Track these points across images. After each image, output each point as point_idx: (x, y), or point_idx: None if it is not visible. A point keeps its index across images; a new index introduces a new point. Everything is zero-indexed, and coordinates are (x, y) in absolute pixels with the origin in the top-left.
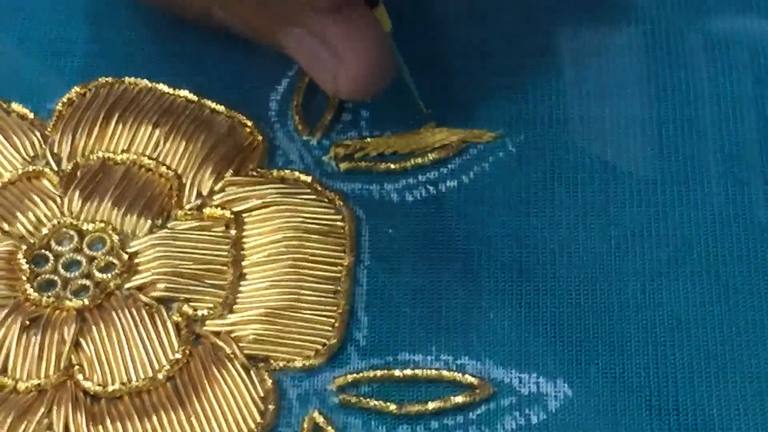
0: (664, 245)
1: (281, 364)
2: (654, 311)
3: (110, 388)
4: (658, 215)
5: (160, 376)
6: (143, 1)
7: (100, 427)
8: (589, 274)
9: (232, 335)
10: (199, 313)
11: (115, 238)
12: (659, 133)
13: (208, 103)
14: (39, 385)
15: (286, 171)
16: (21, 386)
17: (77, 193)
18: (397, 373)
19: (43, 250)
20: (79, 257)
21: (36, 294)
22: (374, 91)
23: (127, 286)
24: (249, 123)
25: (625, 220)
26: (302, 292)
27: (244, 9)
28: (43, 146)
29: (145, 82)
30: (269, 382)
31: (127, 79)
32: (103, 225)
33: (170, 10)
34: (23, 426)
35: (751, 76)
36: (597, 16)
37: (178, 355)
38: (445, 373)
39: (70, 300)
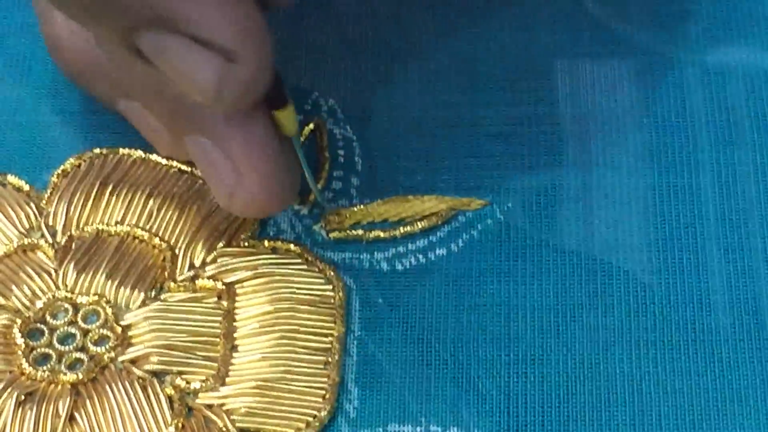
0: (650, 314)
1: None
2: (641, 380)
3: None
4: (644, 283)
5: None
6: (66, 76)
7: None
8: (578, 343)
9: (224, 408)
10: (192, 386)
11: (109, 310)
12: (652, 198)
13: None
14: None
15: (277, 241)
16: None
17: (72, 266)
18: None
19: (38, 324)
20: (73, 330)
21: (31, 368)
22: (269, 213)
23: (121, 359)
24: None
25: (613, 289)
26: (293, 363)
27: (155, 108)
28: (39, 218)
29: (139, 152)
30: None
31: (121, 150)
32: (97, 298)
33: (87, 90)
34: None
35: (747, 110)
36: (591, 78)
37: (171, 429)
38: None
39: (65, 374)
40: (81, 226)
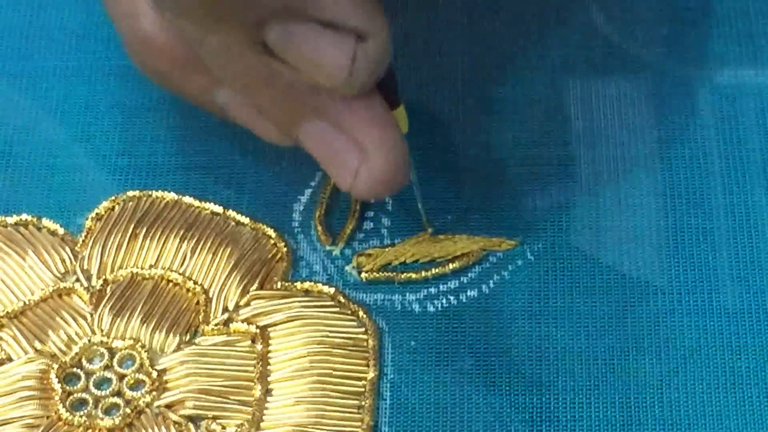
0: (681, 357)
1: None
2: (672, 423)
3: None
4: (675, 325)
5: None
6: (150, 76)
7: None
8: (609, 385)
9: None
10: (227, 430)
11: (144, 355)
12: (674, 240)
13: (233, 215)
14: None
15: (310, 283)
16: None
17: (107, 310)
18: None
19: (74, 369)
20: (109, 375)
21: (68, 414)
22: (392, 191)
23: (156, 404)
24: (273, 234)
25: (643, 330)
26: (327, 408)
27: (265, 99)
28: (74, 262)
29: (171, 195)
30: None
31: (153, 193)
32: (132, 342)
33: (173, 89)
34: None
35: (758, 129)
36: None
37: None
38: None
39: (102, 419)
40: (115, 269)
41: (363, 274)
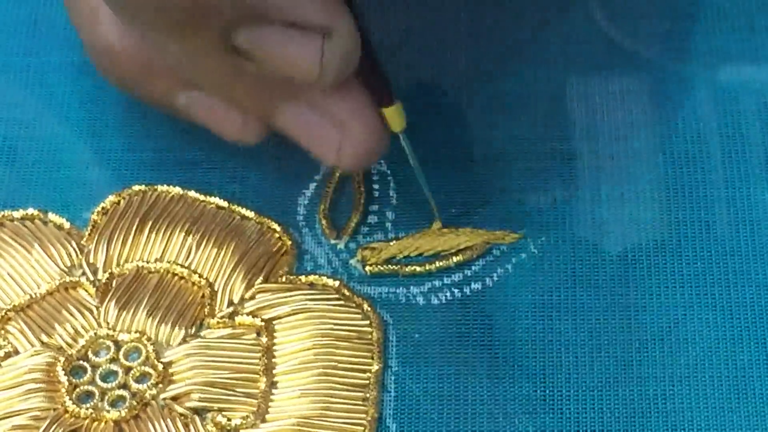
0: (683, 349)
1: None
2: (675, 416)
3: None
4: (677, 318)
5: None
6: (113, 83)
7: None
8: (612, 378)
9: None
10: (233, 422)
11: (150, 348)
12: (676, 234)
13: (238, 209)
14: None
15: (315, 276)
16: None
17: (113, 304)
18: None
19: (80, 361)
20: (115, 368)
21: (74, 406)
22: (376, 159)
23: (162, 396)
24: (278, 228)
25: (646, 323)
26: (332, 400)
27: (236, 91)
28: (80, 256)
29: (176, 189)
30: None
31: (159, 187)
32: (138, 335)
33: (135, 94)
34: None
35: (759, 124)
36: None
37: None
38: None
39: (108, 411)
40: (121, 263)
41: (367, 268)
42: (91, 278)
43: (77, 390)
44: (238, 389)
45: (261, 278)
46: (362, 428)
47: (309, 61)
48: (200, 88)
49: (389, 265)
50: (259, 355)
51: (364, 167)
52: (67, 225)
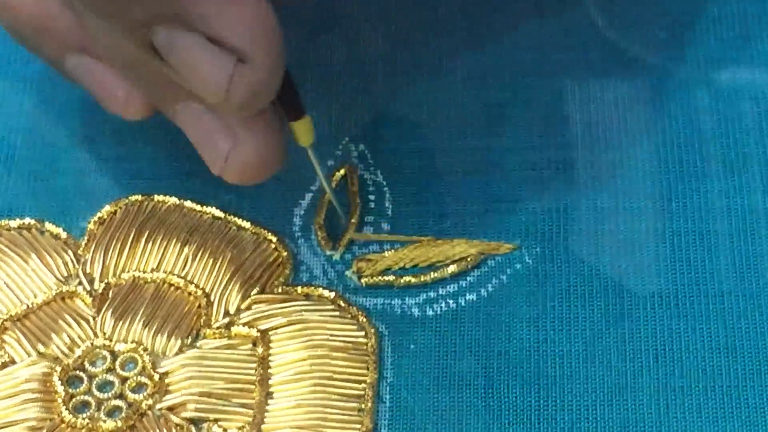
0: (677, 360)
1: None
2: (669, 427)
3: None
4: (671, 328)
5: None
6: (9, 34)
7: None
8: (606, 389)
9: None
10: None
11: (147, 358)
12: (672, 244)
13: (234, 219)
14: None
15: (310, 287)
16: None
17: (109, 314)
18: None
19: (77, 371)
20: (112, 378)
21: (71, 416)
22: (261, 178)
23: (158, 406)
24: (274, 238)
25: (640, 334)
26: (327, 410)
27: (141, 77)
28: (76, 266)
29: (173, 199)
30: None
31: (155, 197)
32: (134, 345)
33: (28, 49)
34: None
35: (756, 130)
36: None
37: None
38: None
39: (104, 421)
40: (118, 273)
41: (363, 279)
42: (88, 288)
43: (74, 400)
44: (233, 399)
45: (257, 289)
46: None
47: (216, 80)
48: (94, 55)
49: (384, 277)
50: (255, 365)
51: (251, 182)
52: (63, 234)
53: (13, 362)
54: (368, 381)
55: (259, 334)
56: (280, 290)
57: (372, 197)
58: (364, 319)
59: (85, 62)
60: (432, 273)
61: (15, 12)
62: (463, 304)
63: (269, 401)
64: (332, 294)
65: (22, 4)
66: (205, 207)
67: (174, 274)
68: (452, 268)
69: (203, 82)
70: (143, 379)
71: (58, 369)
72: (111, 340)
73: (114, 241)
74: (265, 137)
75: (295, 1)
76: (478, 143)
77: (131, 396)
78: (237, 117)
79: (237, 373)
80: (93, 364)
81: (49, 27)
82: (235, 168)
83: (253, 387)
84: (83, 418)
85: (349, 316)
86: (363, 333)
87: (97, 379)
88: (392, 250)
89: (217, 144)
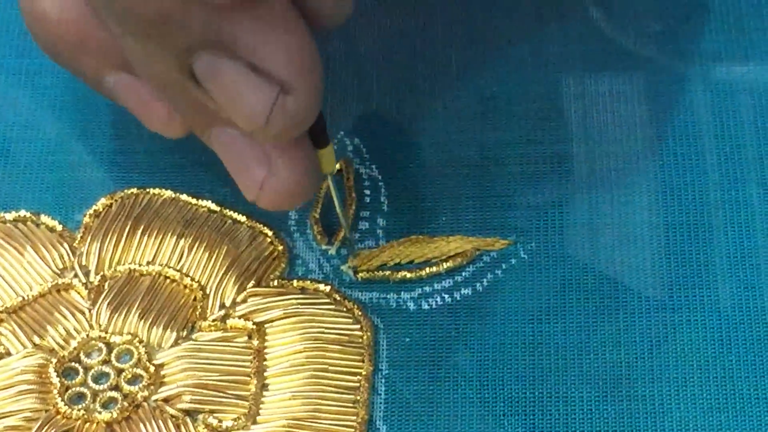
0: (672, 351)
1: None
2: (664, 416)
3: None
4: (666, 321)
5: None
6: (46, 52)
7: None
8: (600, 380)
9: None
10: (224, 424)
11: (142, 350)
12: (667, 237)
13: (230, 213)
14: None
15: (306, 281)
16: None
17: (105, 306)
18: None
19: (72, 363)
20: (107, 369)
21: (66, 407)
22: (295, 205)
23: (154, 398)
24: (269, 232)
25: (635, 327)
26: (323, 402)
27: (179, 101)
28: (72, 258)
29: (168, 192)
30: None
31: (151, 190)
32: (130, 337)
33: (66, 67)
34: None
35: (753, 124)
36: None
37: None
38: None
39: (100, 413)
40: (113, 265)
41: (358, 275)
42: (83, 280)
43: (69, 391)
44: (229, 391)
45: (252, 282)
46: (352, 430)
47: (256, 110)
48: (135, 73)
49: (380, 272)
50: (251, 357)
51: (284, 209)
52: (59, 227)
53: (8, 354)
54: (363, 373)
55: (254, 327)
56: (275, 283)
57: (368, 192)
58: (360, 313)
59: (125, 80)
60: (427, 268)
61: (53, 29)
62: (458, 298)
63: (264, 393)
64: (328, 288)
65: (61, 21)
66: (200, 200)
67: (170, 267)
68: (447, 264)
69: (244, 111)
70: (139, 371)
71: (54, 361)
72: (106, 332)
73: (109, 234)
74: (300, 165)
75: (325, 29)
76: (474, 137)
77: (126, 388)
78: (272, 144)
79: (232, 365)
80: (88, 355)
81: (89, 45)
82: (270, 195)
83: (248, 379)
84: (79, 410)
85: (345, 309)
86: (358, 326)
87: (92, 370)
88: (388, 246)
89: (252, 171)
